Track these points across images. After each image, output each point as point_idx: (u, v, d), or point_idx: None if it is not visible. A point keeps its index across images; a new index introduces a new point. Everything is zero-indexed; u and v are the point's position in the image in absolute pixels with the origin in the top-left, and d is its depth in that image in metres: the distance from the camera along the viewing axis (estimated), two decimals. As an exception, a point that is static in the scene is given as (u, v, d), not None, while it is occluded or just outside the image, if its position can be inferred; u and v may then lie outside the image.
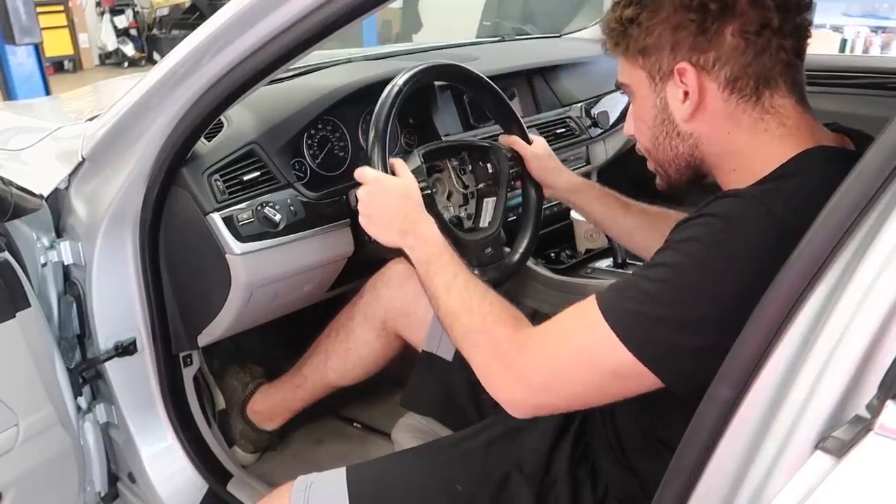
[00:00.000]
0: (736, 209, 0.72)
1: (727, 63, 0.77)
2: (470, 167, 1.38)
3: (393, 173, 1.09)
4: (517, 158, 1.33)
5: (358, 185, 1.07)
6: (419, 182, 1.10)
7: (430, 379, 1.25)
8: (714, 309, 0.69)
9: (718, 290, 0.70)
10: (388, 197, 1.04)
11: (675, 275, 0.72)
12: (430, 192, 1.20)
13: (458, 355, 1.20)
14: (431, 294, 0.96)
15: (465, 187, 1.37)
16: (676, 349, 0.71)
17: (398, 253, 1.18)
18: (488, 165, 1.35)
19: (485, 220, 1.35)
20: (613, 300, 0.76)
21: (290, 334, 1.61)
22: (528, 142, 1.34)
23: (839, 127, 0.84)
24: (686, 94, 0.80)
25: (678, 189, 0.90)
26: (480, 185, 1.37)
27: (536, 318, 1.33)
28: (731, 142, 0.81)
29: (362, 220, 1.06)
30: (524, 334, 0.83)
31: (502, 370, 0.83)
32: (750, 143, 0.80)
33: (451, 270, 0.95)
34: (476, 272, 1.24)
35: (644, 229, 1.22)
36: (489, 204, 1.35)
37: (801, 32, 0.78)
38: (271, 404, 1.49)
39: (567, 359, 0.78)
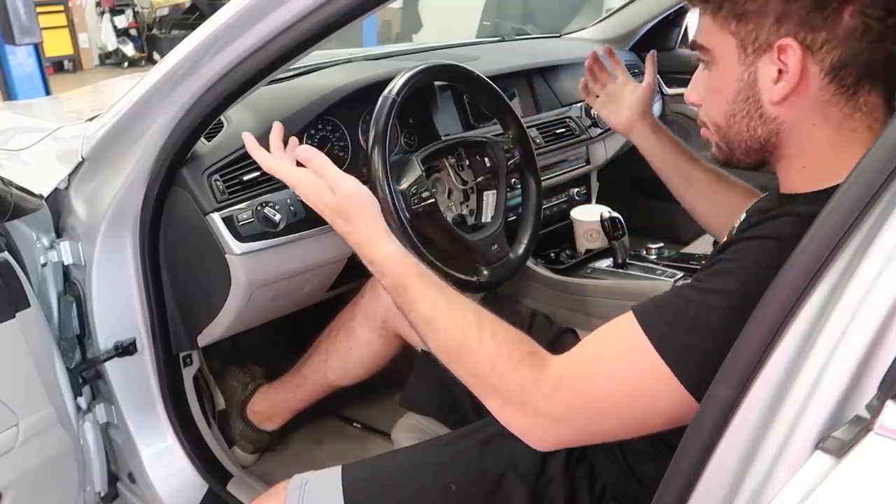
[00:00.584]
0: (802, 232, 0.63)
1: (837, 47, 0.68)
2: (467, 162, 1.39)
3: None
4: (514, 150, 1.34)
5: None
6: (422, 191, 1.09)
7: (428, 379, 1.25)
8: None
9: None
10: (330, 199, 0.93)
11: (727, 303, 0.66)
12: (432, 199, 1.20)
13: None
14: (414, 326, 0.85)
15: (465, 183, 1.38)
16: (709, 375, 0.64)
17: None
18: (485, 159, 1.35)
19: (487, 216, 1.36)
20: (666, 330, 0.68)
21: (289, 334, 1.61)
22: (527, 139, 1.33)
23: None
24: (780, 72, 0.70)
25: (734, 168, 0.82)
26: (479, 179, 1.37)
27: (535, 318, 1.34)
28: (814, 136, 0.72)
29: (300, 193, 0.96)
30: (553, 375, 0.74)
31: (530, 415, 0.76)
32: (832, 142, 0.72)
33: (426, 300, 0.83)
34: (485, 272, 1.25)
35: (703, 186, 1.16)
36: (490, 197, 1.36)
37: None
38: (271, 404, 1.49)
39: (613, 399, 0.71)
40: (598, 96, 1.30)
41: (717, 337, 0.65)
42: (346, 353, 1.38)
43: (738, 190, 1.15)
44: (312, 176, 0.96)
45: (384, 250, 0.89)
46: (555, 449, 0.81)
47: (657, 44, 2.11)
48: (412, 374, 1.28)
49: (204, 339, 1.33)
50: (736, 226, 0.83)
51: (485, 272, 1.25)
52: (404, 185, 1.23)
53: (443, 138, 1.45)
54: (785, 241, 0.64)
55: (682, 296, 0.71)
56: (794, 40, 0.69)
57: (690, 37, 1.82)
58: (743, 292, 0.65)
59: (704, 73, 0.80)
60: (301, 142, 1.32)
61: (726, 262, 0.69)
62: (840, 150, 0.72)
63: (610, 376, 0.72)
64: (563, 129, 1.77)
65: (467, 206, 1.39)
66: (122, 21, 9.06)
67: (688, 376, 0.67)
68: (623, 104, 1.25)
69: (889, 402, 0.49)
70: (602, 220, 1.62)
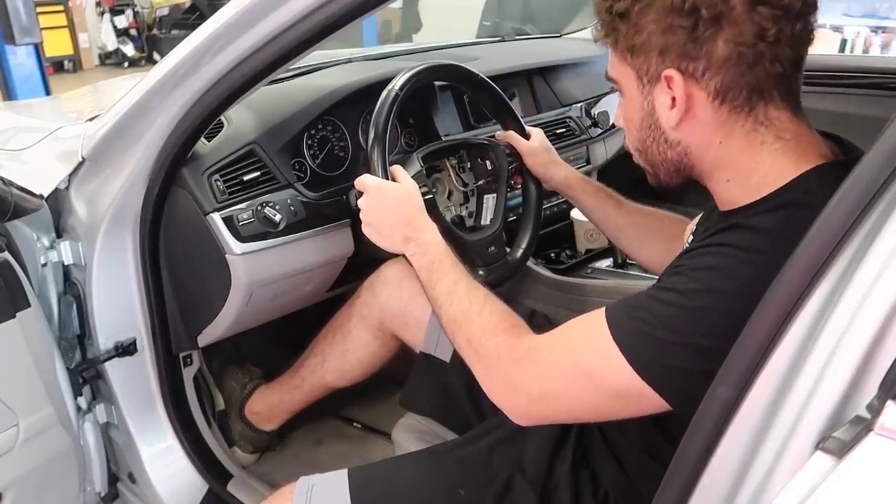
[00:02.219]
0: (755, 242, 0.70)
1: (718, 73, 0.73)
2: (468, 165, 1.38)
3: (393, 179, 1.09)
4: (516, 154, 1.34)
5: (354, 185, 1.08)
6: (420, 187, 1.10)
7: (428, 380, 1.25)
8: (725, 339, 0.65)
9: (732, 321, 0.65)
10: (390, 204, 1.03)
11: (687, 301, 0.71)
12: (431, 195, 1.20)
13: (457, 356, 1.20)
14: (434, 301, 0.96)
15: (465, 185, 1.38)
16: (686, 373, 0.70)
17: (398, 254, 1.18)
18: (487, 162, 1.35)
19: (486, 218, 1.36)
20: (623, 319, 0.74)
21: (290, 334, 1.61)
22: (526, 137, 1.34)
23: (823, 131, 0.81)
24: (673, 100, 0.76)
25: (671, 188, 0.87)
26: (480, 182, 1.37)
27: (535, 318, 1.34)
28: (724, 152, 0.77)
29: (365, 229, 1.05)
30: (525, 344, 0.83)
31: (502, 380, 0.84)
32: (745, 155, 0.77)
33: (452, 277, 0.94)
34: (481, 272, 1.25)
35: (634, 228, 1.23)
36: (489, 201, 1.36)
37: (801, 41, 0.74)
38: (269, 405, 1.49)
39: (568, 373, 0.78)
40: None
41: (669, 329, 0.71)
42: (343, 355, 1.37)
43: (665, 216, 1.22)
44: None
45: (431, 233, 1.02)
46: (529, 424, 0.86)
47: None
48: (412, 375, 1.28)
49: (204, 339, 1.33)
50: (688, 242, 0.89)
51: (481, 273, 1.25)
52: None
53: (443, 138, 1.45)
54: (735, 247, 0.71)
55: (645, 293, 0.76)
56: (677, 71, 0.74)
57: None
58: (690, 289, 0.71)
59: (621, 101, 0.86)
60: (301, 141, 1.33)
61: (682, 265, 0.75)
62: (757, 163, 0.76)
63: (569, 353, 0.78)
64: (564, 129, 1.77)
65: (466, 207, 1.38)
66: (122, 21, 9.06)
67: (642, 361, 0.72)
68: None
69: (889, 403, 0.49)
70: (602, 221, 1.61)
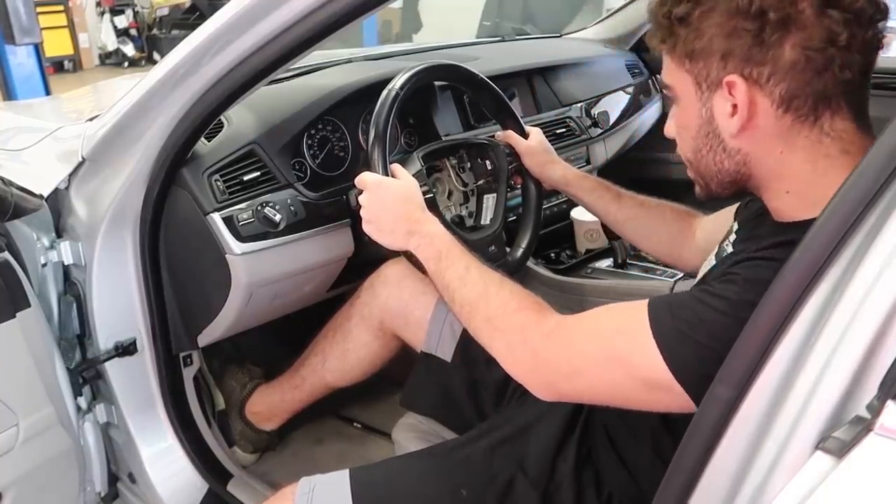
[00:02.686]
0: None
1: (783, 79, 0.70)
2: (469, 164, 1.38)
3: (393, 177, 1.09)
4: (515, 154, 1.34)
5: (354, 185, 1.08)
6: (420, 186, 1.10)
7: (428, 380, 1.25)
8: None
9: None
10: (390, 200, 1.03)
11: (738, 312, 0.67)
12: (431, 195, 1.20)
13: (457, 356, 1.21)
14: (444, 288, 0.94)
15: (465, 185, 1.38)
16: (705, 374, 0.67)
17: (398, 253, 1.18)
18: (487, 162, 1.35)
19: (486, 218, 1.36)
20: (666, 315, 0.73)
21: (290, 334, 1.61)
22: (525, 136, 1.34)
23: None
24: (735, 107, 0.73)
25: (717, 200, 0.85)
26: (480, 182, 1.37)
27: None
28: (784, 164, 0.74)
29: (366, 227, 1.05)
30: (552, 320, 0.82)
31: (528, 354, 0.82)
32: (808, 168, 0.73)
33: (462, 263, 0.94)
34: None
35: (636, 222, 1.23)
36: (489, 200, 1.36)
37: (872, 48, 0.70)
38: (269, 405, 1.48)
39: (598, 355, 0.77)
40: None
41: (711, 335, 0.69)
42: (344, 355, 1.37)
43: (667, 207, 1.21)
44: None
45: (433, 225, 1.01)
46: (553, 399, 0.84)
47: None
48: (412, 375, 1.28)
49: (204, 339, 1.33)
50: (731, 239, 0.86)
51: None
52: None
53: (443, 138, 1.45)
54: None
55: (692, 295, 0.74)
56: (740, 76, 0.71)
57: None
58: (742, 301, 0.68)
59: (673, 110, 0.83)
60: (301, 141, 1.33)
61: (734, 273, 0.72)
62: (819, 176, 0.73)
63: (602, 336, 0.78)
64: (564, 129, 1.77)
65: (466, 207, 1.38)
66: (122, 21, 9.06)
67: (677, 360, 0.70)
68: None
69: (889, 403, 0.49)
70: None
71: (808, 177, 0.74)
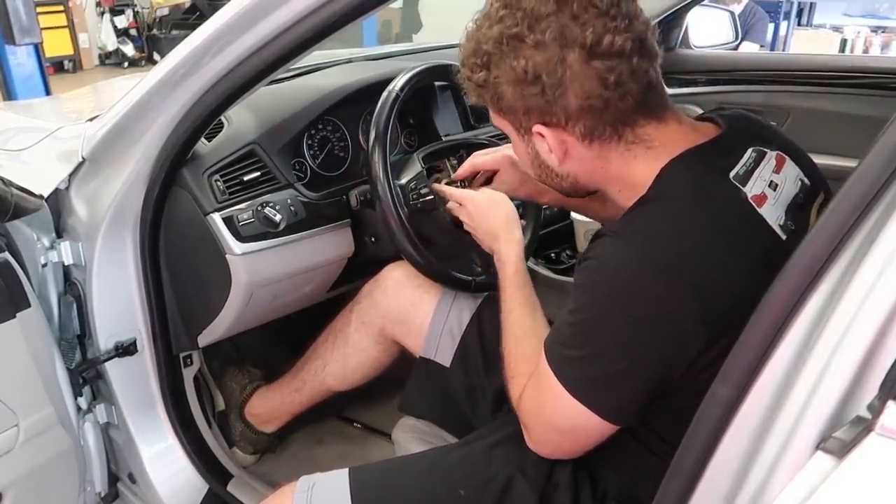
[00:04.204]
0: (604, 250, 0.80)
1: (578, 120, 0.80)
2: None
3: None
4: None
5: (354, 185, 1.14)
6: (421, 187, 1.10)
7: (427, 384, 1.24)
8: (611, 340, 0.78)
9: (612, 325, 0.78)
10: (489, 212, 1.11)
11: (578, 318, 0.81)
12: (431, 196, 1.20)
13: (456, 361, 1.21)
14: (501, 309, 1.04)
15: (465, 186, 1.37)
16: (594, 381, 0.79)
17: (398, 254, 1.18)
18: None
19: None
20: (552, 349, 0.84)
21: (290, 335, 1.61)
22: None
23: (706, 115, 0.90)
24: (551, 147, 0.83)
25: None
26: (480, 182, 1.37)
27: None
28: (607, 172, 0.85)
29: (467, 224, 1.15)
30: (521, 396, 0.92)
31: (522, 418, 0.92)
32: (624, 169, 0.84)
33: (508, 306, 1.02)
34: (482, 273, 1.25)
35: None
36: None
37: (645, 68, 0.78)
38: (269, 407, 1.48)
39: (540, 411, 0.87)
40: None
41: (573, 346, 0.81)
42: (344, 360, 1.37)
43: None
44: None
45: (509, 246, 1.09)
46: (548, 458, 0.92)
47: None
48: (411, 380, 1.27)
49: (204, 339, 1.33)
50: None
51: (481, 273, 1.25)
52: (404, 180, 1.23)
53: (443, 139, 1.45)
54: (599, 258, 0.80)
55: (559, 319, 0.85)
56: (543, 126, 0.82)
57: (691, 37, 1.83)
58: (582, 306, 0.81)
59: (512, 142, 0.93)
60: (301, 142, 1.33)
61: (573, 286, 0.84)
62: (634, 171, 0.83)
63: (538, 409, 0.88)
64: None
65: None
66: (122, 21, 9.04)
67: (566, 380, 0.81)
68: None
69: (890, 403, 0.49)
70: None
71: (627, 177, 0.84)
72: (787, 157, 0.86)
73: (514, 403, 0.93)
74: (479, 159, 1.22)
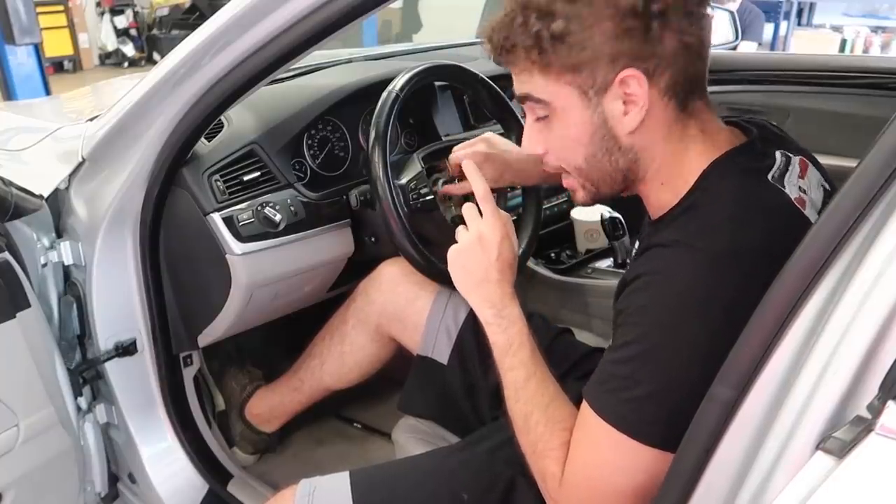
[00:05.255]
0: (664, 262, 0.73)
1: (668, 68, 0.73)
2: None
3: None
4: None
5: (354, 185, 1.11)
6: (421, 187, 1.10)
7: (426, 383, 1.24)
8: (693, 362, 0.69)
9: (690, 344, 0.70)
10: (491, 259, 0.95)
11: (640, 349, 0.72)
12: (431, 196, 1.20)
13: (453, 358, 1.20)
14: (502, 380, 0.91)
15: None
16: (672, 416, 0.69)
17: (398, 254, 1.18)
18: None
19: None
20: (603, 399, 0.74)
21: (290, 334, 1.61)
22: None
23: (731, 119, 0.85)
24: (626, 105, 0.75)
25: (600, 202, 0.89)
26: None
27: (532, 319, 1.33)
28: (664, 153, 0.78)
29: (451, 267, 0.98)
30: (558, 476, 0.80)
31: (550, 499, 0.83)
32: (676, 152, 0.78)
33: (522, 374, 0.88)
34: None
35: None
36: None
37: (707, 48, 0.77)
38: (269, 407, 1.48)
39: (600, 481, 0.76)
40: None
41: (642, 382, 0.71)
42: (341, 358, 1.37)
43: None
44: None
45: (516, 307, 0.94)
46: None
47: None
48: (409, 379, 1.27)
49: (204, 339, 1.33)
50: (634, 251, 0.90)
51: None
52: (404, 180, 1.23)
53: (443, 139, 1.45)
54: (662, 273, 0.73)
55: (606, 360, 0.77)
56: (635, 70, 0.73)
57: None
58: (648, 334, 0.72)
59: (541, 124, 0.82)
60: (301, 142, 1.33)
61: (624, 313, 0.76)
62: (683, 159, 0.78)
63: (589, 466, 0.77)
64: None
65: None
66: (122, 21, 9.05)
67: (640, 430, 0.71)
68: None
69: (890, 403, 0.49)
70: (602, 221, 1.62)
71: (676, 163, 0.78)
72: (809, 162, 0.84)
73: (552, 485, 0.80)
74: (460, 153, 1.20)
